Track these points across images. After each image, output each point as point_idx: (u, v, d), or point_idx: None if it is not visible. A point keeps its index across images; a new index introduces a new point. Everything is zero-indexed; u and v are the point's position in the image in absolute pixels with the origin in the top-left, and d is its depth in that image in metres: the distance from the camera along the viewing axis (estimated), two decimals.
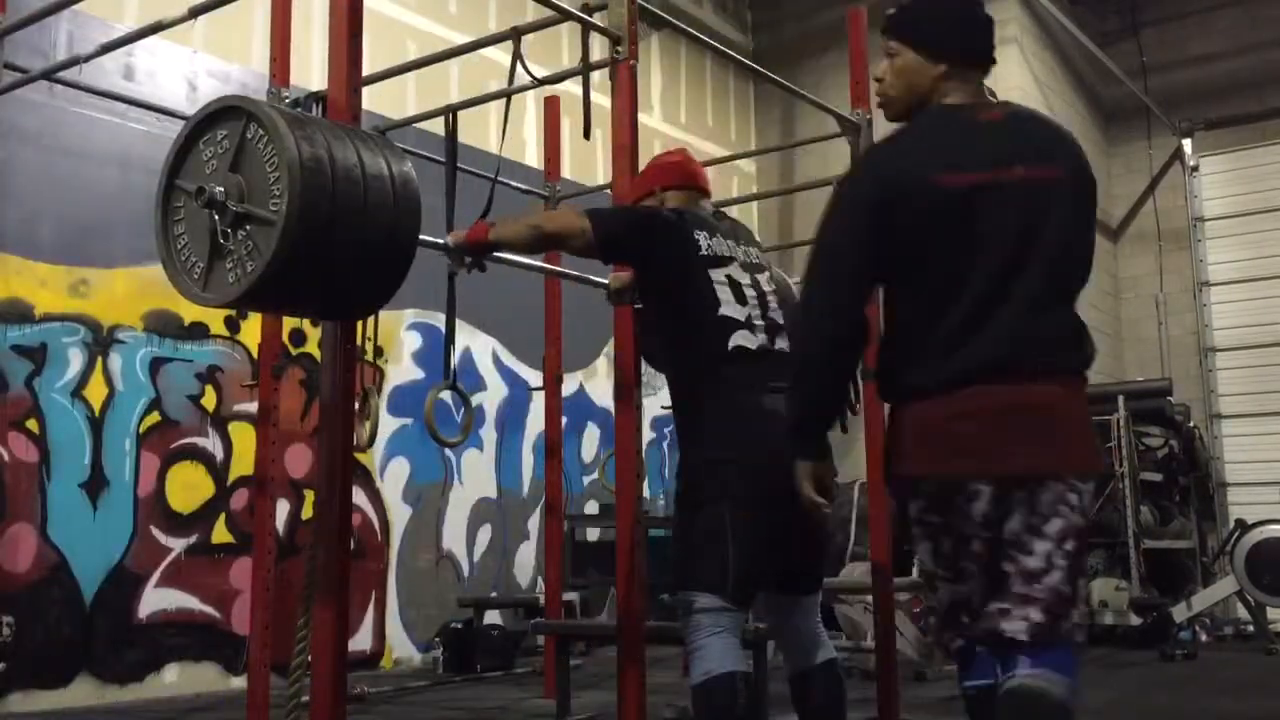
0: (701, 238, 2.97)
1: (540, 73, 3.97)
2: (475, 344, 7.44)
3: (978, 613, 2.24)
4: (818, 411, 2.43)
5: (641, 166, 3.47)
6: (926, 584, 2.34)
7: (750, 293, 2.97)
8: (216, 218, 2.67)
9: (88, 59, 4.35)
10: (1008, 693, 2.18)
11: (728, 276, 2.95)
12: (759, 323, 2.95)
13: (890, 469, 2.39)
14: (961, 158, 2.31)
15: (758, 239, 3.37)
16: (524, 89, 4.09)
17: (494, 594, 7.19)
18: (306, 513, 6.19)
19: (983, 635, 2.25)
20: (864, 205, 2.33)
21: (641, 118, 4.99)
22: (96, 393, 5.48)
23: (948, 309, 2.25)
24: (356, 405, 4.39)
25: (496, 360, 7.62)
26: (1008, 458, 2.22)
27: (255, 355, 5.39)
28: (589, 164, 7.94)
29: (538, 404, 6.27)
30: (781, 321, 3.03)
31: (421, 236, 2.91)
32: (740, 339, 2.90)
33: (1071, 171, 2.36)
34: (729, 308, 2.91)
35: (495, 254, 3.23)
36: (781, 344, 3.00)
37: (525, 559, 7.64)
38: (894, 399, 2.37)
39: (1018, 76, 9.00)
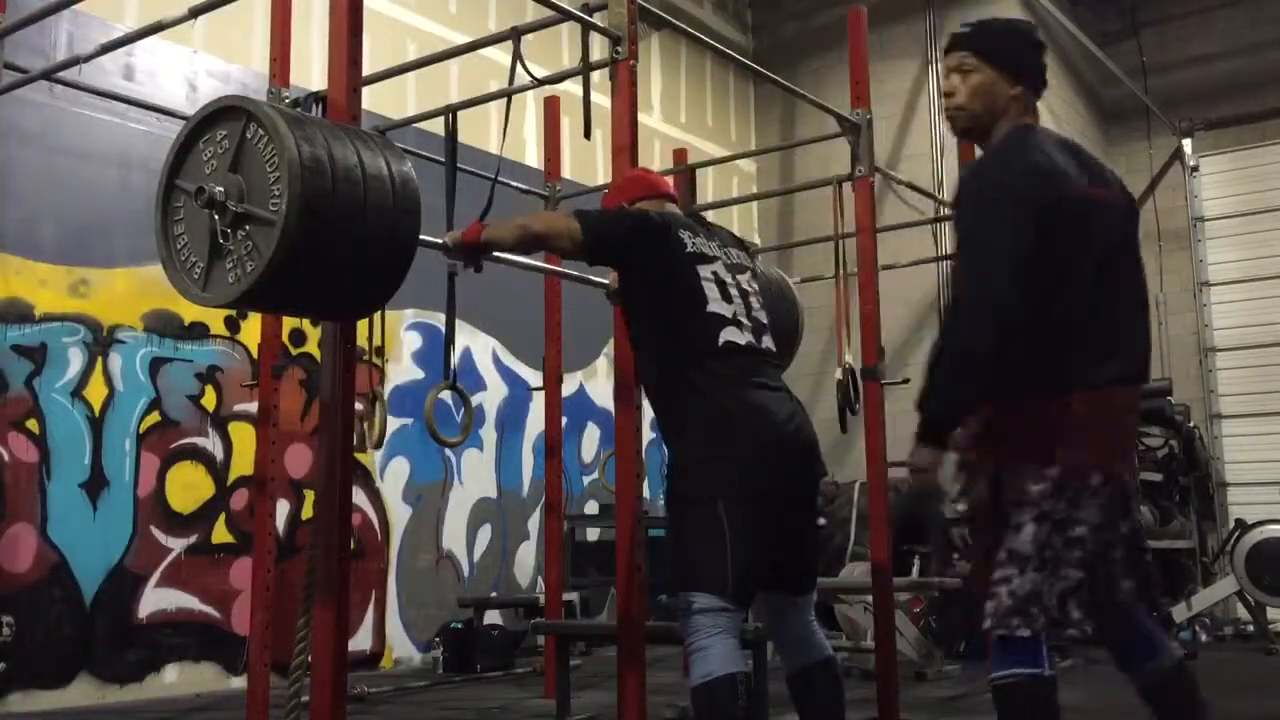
0: (686, 236, 3.00)
1: (540, 73, 3.97)
2: (475, 344, 7.43)
3: (1047, 606, 2.32)
4: (967, 409, 2.49)
5: (642, 167, 3.49)
6: (1012, 562, 2.35)
7: (734, 291, 2.99)
8: (216, 218, 2.67)
9: (88, 59, 4.36)
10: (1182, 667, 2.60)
11: (713, 274, 2.97)
12: (745, 321, 2.97)
13: (1013, 454, 2.43)
14: (1074, 171, 2.47)
15: (756, 240, 3.38)
16: (524, 89, 4.09)
17: (494, 594, 7.19)
18: (306, 513, 6.19)
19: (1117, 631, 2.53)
20: (1024, 202, 2.38)
21: (641, 118, 5.01)
22: (96, 393, 5.48)
23: (1092, 312, 2.41)
24: (363, 407, 4.42)
25: (496, 360, 7.61)
26: (1127, 455, 2.49)
27: (255, 355, 5.39)
28: (589, 164, 7.94)
29: (538, 404, 6.27)
30: (765, 320, 3.07)
31: (421, 236, 2.92)
32: (730, 335, 2.91)
33: (1125, 193, 2.60)
34: (716, 305, 2.93)
35: (492, 254, 3.23)
36: (767, 342, 3.03)
37: (525, 559, 7.64)
38: (1032, 391, 2.42)
39: None
